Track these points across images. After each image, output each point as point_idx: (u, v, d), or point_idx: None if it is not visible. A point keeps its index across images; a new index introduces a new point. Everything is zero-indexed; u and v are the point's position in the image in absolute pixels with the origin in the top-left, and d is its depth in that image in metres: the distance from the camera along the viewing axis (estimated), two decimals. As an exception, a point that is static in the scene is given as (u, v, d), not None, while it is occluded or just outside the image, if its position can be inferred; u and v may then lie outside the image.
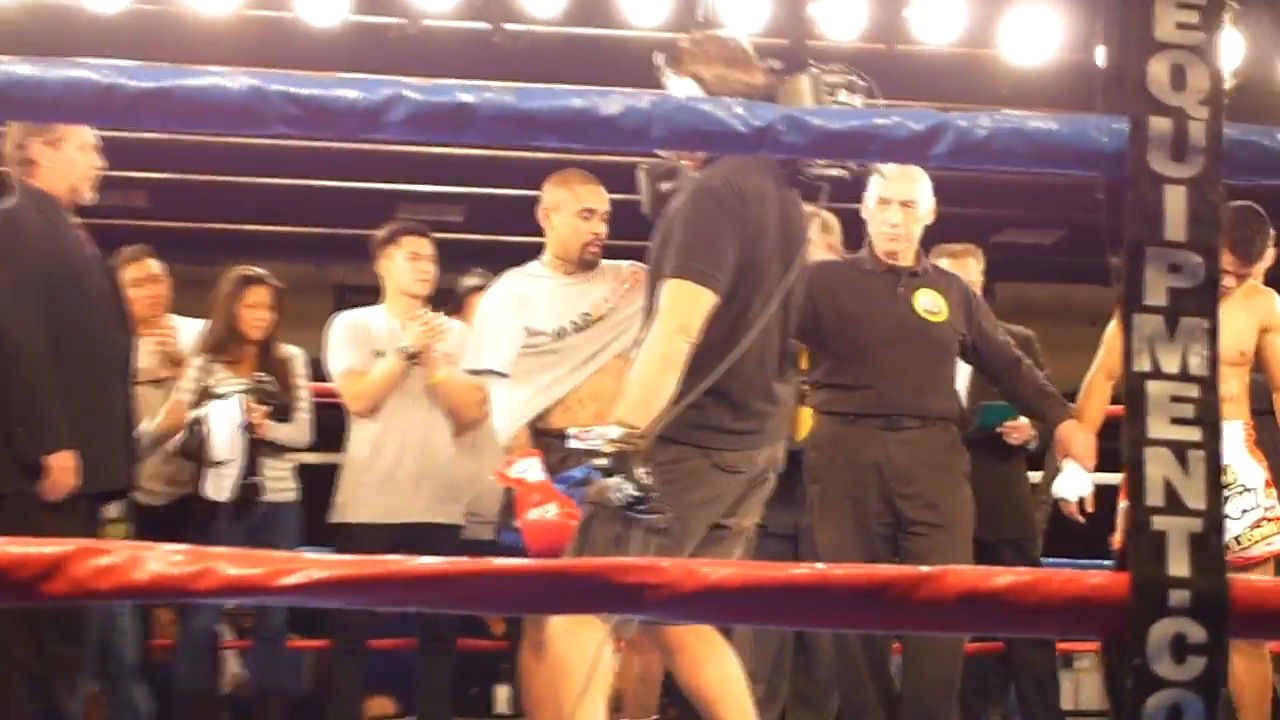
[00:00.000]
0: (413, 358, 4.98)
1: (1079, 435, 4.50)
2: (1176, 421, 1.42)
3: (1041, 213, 9.10)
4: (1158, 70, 1.42)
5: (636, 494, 3.16)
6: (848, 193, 4.30)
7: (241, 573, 1.42)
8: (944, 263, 5.41)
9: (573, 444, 4.14)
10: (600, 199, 4.57)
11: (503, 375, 4.51)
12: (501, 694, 8.65)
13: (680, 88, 3.32)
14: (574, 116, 1.50)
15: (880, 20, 7.46)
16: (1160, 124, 1.42)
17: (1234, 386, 4.64)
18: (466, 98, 1.48)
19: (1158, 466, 1.41)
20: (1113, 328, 4.72)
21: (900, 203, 4.55)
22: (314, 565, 1.40)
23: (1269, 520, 4.60)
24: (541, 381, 4.53)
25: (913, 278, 4.68)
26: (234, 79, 1.49)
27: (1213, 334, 1.42)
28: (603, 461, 3.21)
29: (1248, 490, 4.63)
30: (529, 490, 4.37)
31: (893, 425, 4.58)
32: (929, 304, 4.73)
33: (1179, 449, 1.42)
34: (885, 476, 4.49)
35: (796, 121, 1.46)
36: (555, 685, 3.31)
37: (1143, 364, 1.42)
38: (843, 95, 3.19)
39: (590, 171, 4.52)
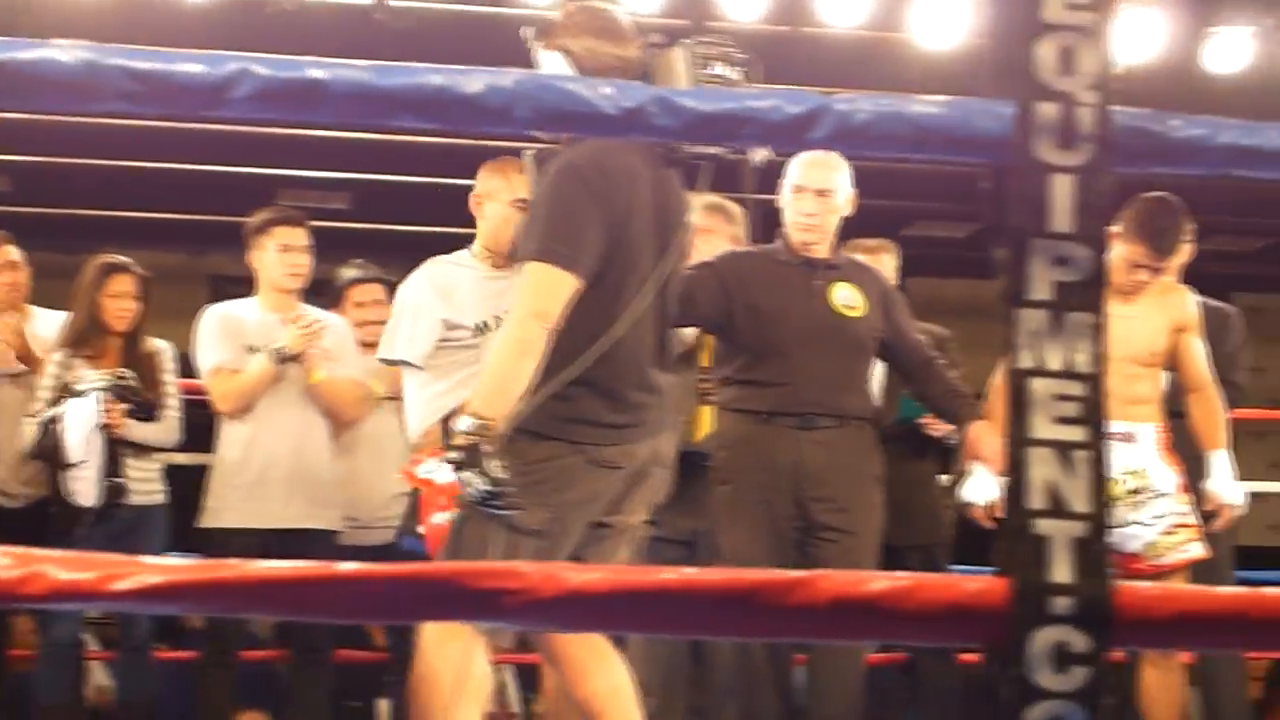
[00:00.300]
0: (286, 360, 4.93)
1: (988, 437, 4.52)
2: (1061, 421, 1.43)
3: (954, 205, 9.18)
4: (1045, 53, 1.42)
5: (489, 489, 3.13)
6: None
7: (72, 577, 1.40)
8: (859, 258, 5.43)
9: None
10: None
11: (416, 368, 4.43)
12: (384, 708, 8.59)
13: (549, 62, 3.32)
14: (433, 95, 1.48)
15: (784, 2, 7.51)
16: (1047, 109, 1.42)
17: (1147, 388, 4.70)
18: (317, 74, 1.46)
19: (1040, 467, 1.41)
20: None
21: (815, 191, 4.54)
22: (149, 570, 1.38)
23: (1183, 527, 4.64)
24: (457, 377, 4.40)
25: (829, 270, 4.69)
26: (68, 52, 1.46)
27: (1100, 330, 1.42)
28: (454, 455, 3.18)
29: (1161, 496, 4.67)
30: (436, 492, 4.28)
31: (808, 425, 4.58)
32: (846, 298, 4.74)
33: (1063, 449, 1.42)
34: (799, 478, 4.49)
35: (668, 103, 1.45)
36: (426, 697, 3.28)
37: (1026, 361, 1.42)
38: (718, 68, 3.20)
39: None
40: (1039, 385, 1.42)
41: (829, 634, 1.48)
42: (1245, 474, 10.27)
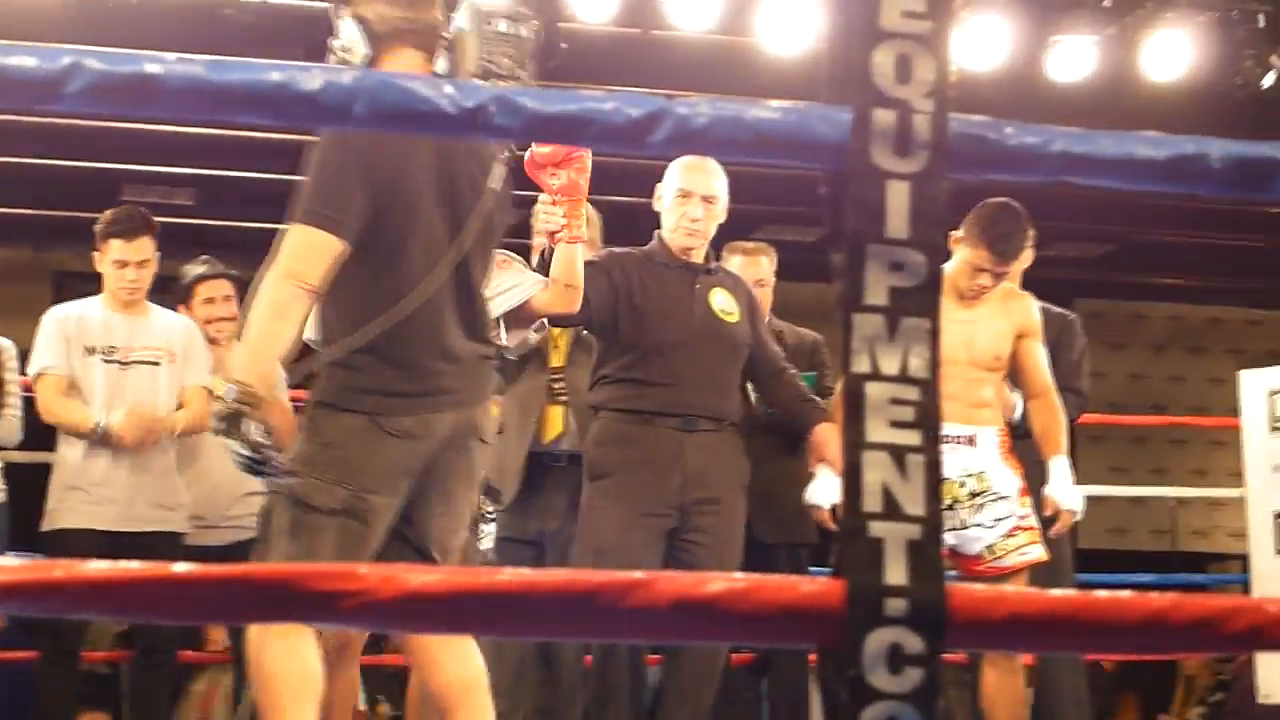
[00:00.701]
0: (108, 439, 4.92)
1: (832, 440, 4.57)
2: (896, 425, 1.44)
3: (803, 209, 9.24)
4: (882, 60, 1.43)
5: (250, 455, 3.10)
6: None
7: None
8: (737, 260, 5.49)
9: None
10: None
11: None
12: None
13: (346, 31, 3.35)
14: (271, 91, 1.47)
15: (635, 5, 7.52)
16: (884, 117, 1.43)
17: (989, 392, 4.76)
18: (153, 69, 1.44)
19: (875, 471, 1.42)
20: None
21: (702, 197, 4.60)
22: (-35, 570, 1.36)
23: (1023, 529, 4.71)
24: None
25: (707, 275, 4.73)
26: (-103, 43, 1.44)
27: (934, 335, 1.44)
28: (215, 423, 3.14)
29: (1002, 498, 4.74)
30: None
31: (689, 426, 4.62)
32: (724, 303, 4.78)
33: (898, 453, 1.43)
34: (680, 479, 4.52)
35: (509, 103, 1.44)
36: (260, 696, 3.24)
37: (861, 365, 1.43)
38: (503, 25, 3.23)
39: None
40: (874, 389, 1.43)
41: (668, 635, 1.48)
42: (1085, 478, 10.39)
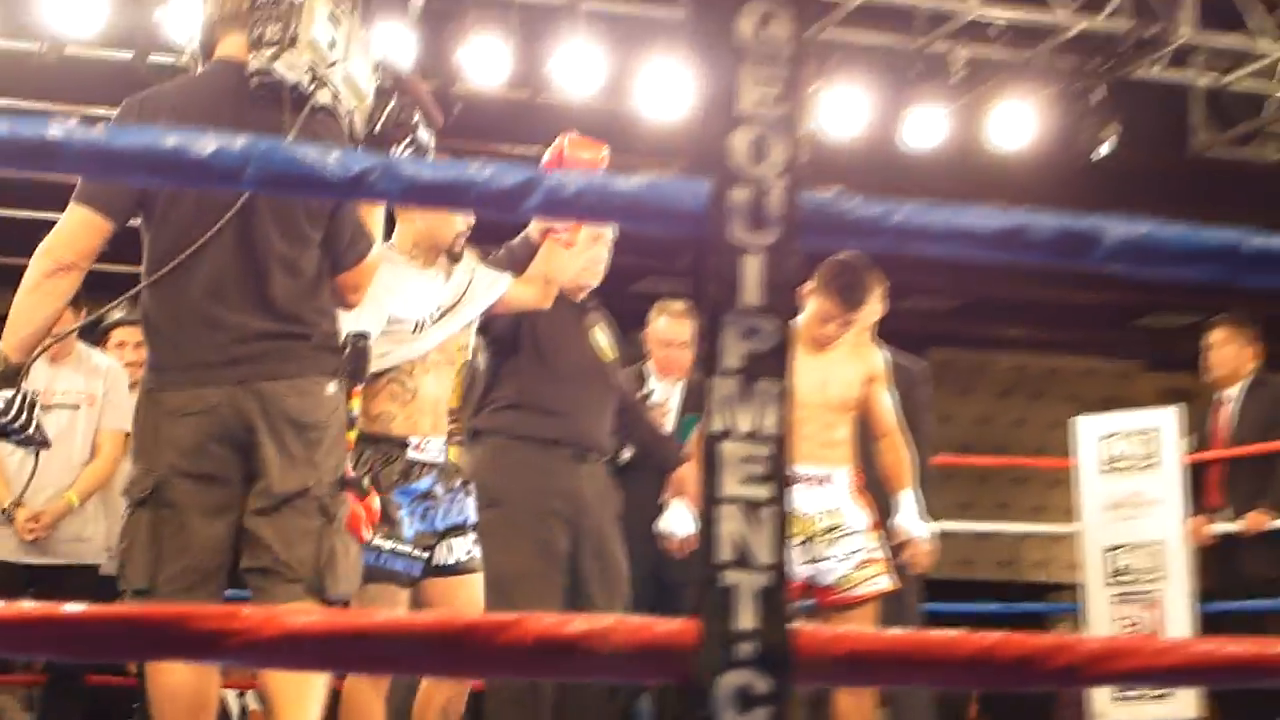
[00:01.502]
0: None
1: (691, 478, 4.60)
2: (748, 480, 1.44)
3: (684, 261, 9.27)
4: (739, 142, 1.44)
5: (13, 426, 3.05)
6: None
7: None
8: (663, 320, 5.58)
9: (413, 455, 4.02)
10: None
11: None
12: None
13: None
14: (167, 156, 1.45)
15: (524, 71, 7.54)
16: (740, 194, 1.43)
17: (843, 433, 4.83)
18: (55, 133, 1.43)
19: (729, 523, 1.42)
20: None
21: (608, 241, 4.64)
22: None
23: (873, 561, 4.77)
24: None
25: (592, 312, 4.74)
26: None
27: (785, 396, 1.44)
28: None
29: (854, 533, 4.80)
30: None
31: (581, 457, 4.62)
32: (604, 341, 4.80)
33: (750, 506, 1.43)
34: (572, 508, 4.50)
35: (392, 170, 1.44)
36: (155, 715, 3.13)
37: (718, 425, 1.44)
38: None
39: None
40: (729, 448, 1.44)
41: (534, 673, 1.48)
42: (936, 513, 10.45)
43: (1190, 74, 9.22)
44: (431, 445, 4.08)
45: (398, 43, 7.02)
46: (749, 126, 1.44)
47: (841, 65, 8.51)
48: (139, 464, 3.20)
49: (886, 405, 5.02)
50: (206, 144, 1.44)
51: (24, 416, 3.11)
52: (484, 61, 7.41)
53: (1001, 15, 8.35)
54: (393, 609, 4.00)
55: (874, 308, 5.74)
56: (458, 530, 4.09)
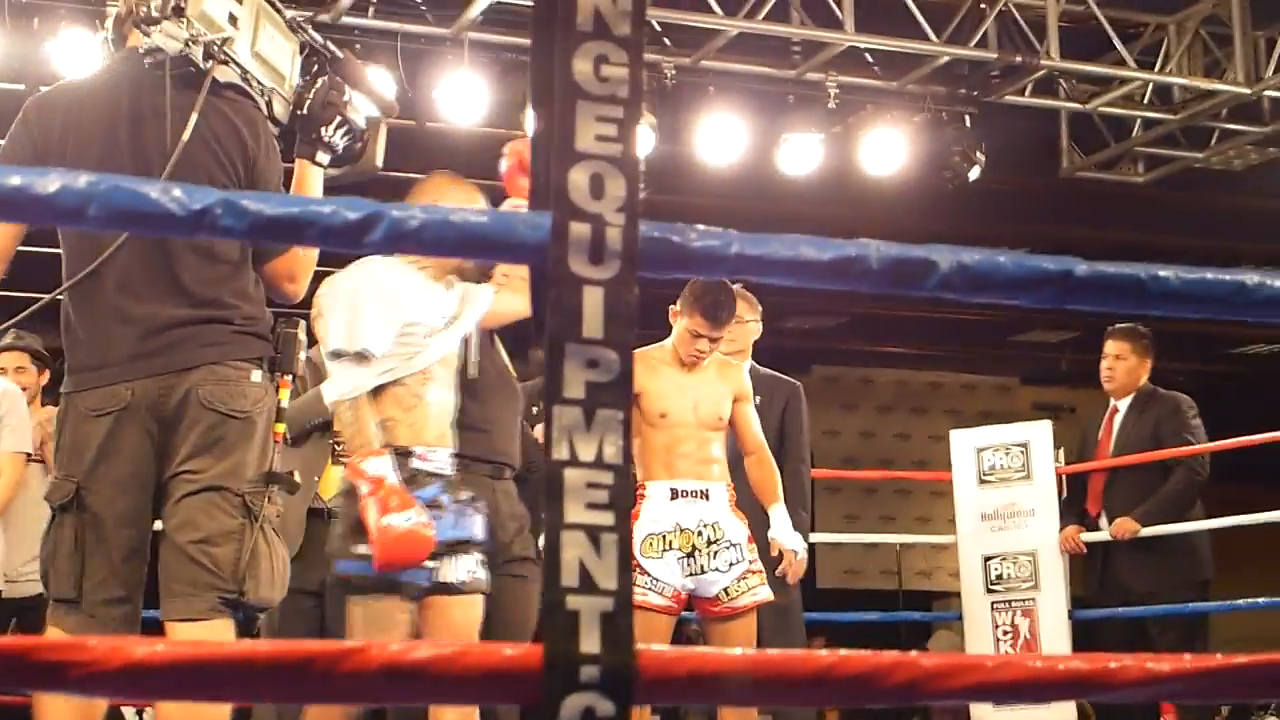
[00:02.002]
0: None
1: None
2: (591, 506, 1.44)
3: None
4: (577, 179, 1.45)
5: None
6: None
7: None
8: None
9: (417, 464, 3.84)
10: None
11: (368, 359, 3.95)
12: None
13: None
14: (10, 194, 1.43)
15: (408, 99, 7.50)
16: (579, 229, 1.44)
17: (717, 450, 4.88)
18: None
19: (572, 549, 1.43)
20: None
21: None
22: None
23: (753, 572, 4.82)
24: (387, 366, 3.98)
25: (494, 330, 4.74)
26: None
27: (626, 425, 1.44)
28: None
29: (734, 545, 4.83)
30: (390, 493, 3.82)
31: (498, 474, 4.61)
32: (507, 359, 4.80)
33: (593, 532, 1.44)
34: (492, 525, 4.47)
35: (234, 205, 1.43)
36: None
37: (561, 453, 1.44)
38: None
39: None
40: (572, 475, 1.44)
41: (382, 699, 1.47)
42: (823, 525, 10.49)
43: (1057, 99, 9.35)
44: (437, 455, 3.95)
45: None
46: (587, 163, 1.44)
47: (719, 93, 8.56)
48: (59, 469, 3.07)
49: (754, 423, 5.08)
50: (50, 183, 1.42)
51: None
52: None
53: (873, 44, 8.42)
54: (395, 627, 3.86)
55: (752, 327, 5.79)
56: (462, 545, 3.98)
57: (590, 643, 1.39)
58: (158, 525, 3.12)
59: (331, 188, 3.30)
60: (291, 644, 1.37)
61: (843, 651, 1.49)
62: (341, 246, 1.44)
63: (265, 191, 3.07)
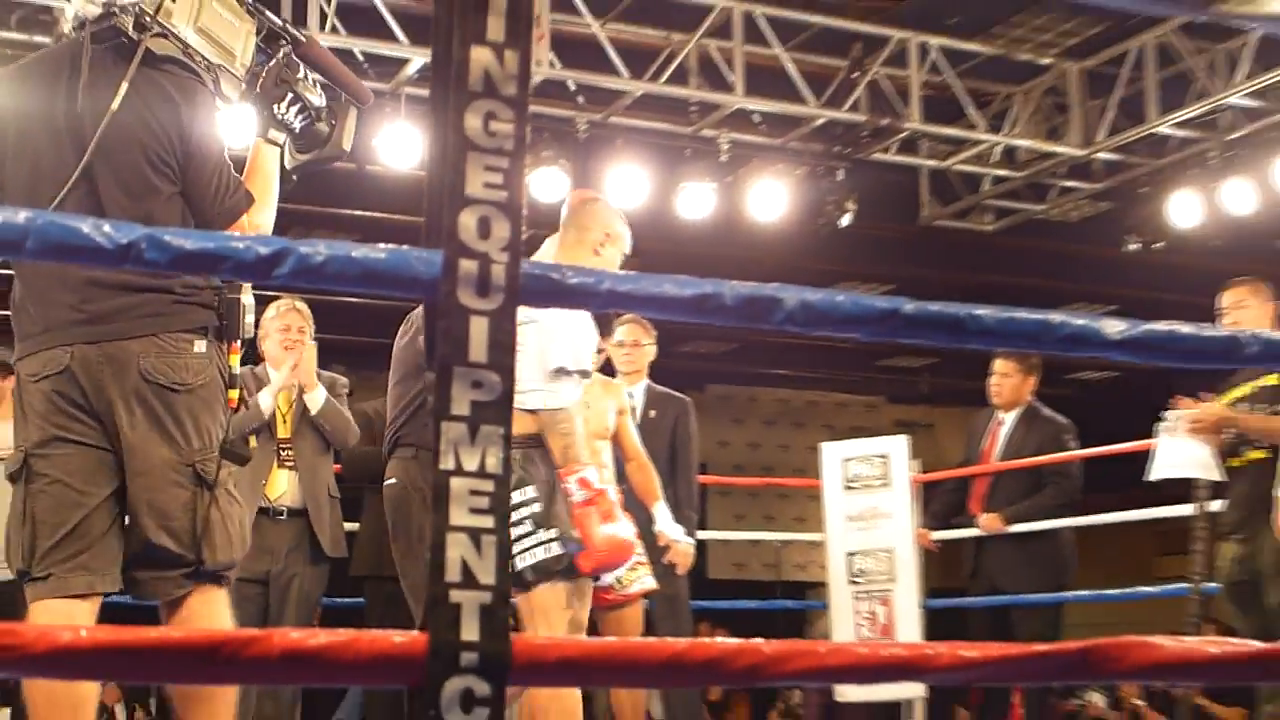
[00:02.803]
0: None
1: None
2: (474, 511, 1.43)
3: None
4: (467, 220, 1.44)
5: None
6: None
7: None
8: (622, 330, 5.72)
9: None
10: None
11: (579, 378, 3.97)
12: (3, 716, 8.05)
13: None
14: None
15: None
16: (468, 265, 1.43)
17: (606, 456, 4.87)
18: None
19: (456, 549, 1.41)
20: None
21: None
22: None
23: (642, 564, 4.82)
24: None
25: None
26: None
27: (506, 439, 1.43)
28: None
29: None
30: (610, 505, 3.89)
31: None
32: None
33: (474, 534, 1.42)
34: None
35: (157, 240, 1.40)
36: None
37: (448, 463, 1.42)
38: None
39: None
40: (457, 483, 1.43)
41: (284, 680, 1.44)
42: (715, 524, 10.45)
43: (918, 157, 9.44)
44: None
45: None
46: (475, 207, 1.43)
47: (625, 146, 8.56)
48: (15, 441, 2.82)
49: (634, 434, 5.10)
50: (-10, 216, 1.39)
51: None
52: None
53: (760, 106, 8.46)
54: (569, 612, 3.80)
55: (649, 350, 5.80)
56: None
57: (470, 631, 1.38)
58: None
59: (307, 172, 3.08)
60: (203, 631, 1.34)
61: (692, 640, 1.48)
62: (253, 279, 1.42)
63: (202, 163, 2.86)
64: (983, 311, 1.56)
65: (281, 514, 5.36)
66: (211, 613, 2.73)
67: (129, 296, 2.78)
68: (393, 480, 4.53)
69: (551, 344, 3.89)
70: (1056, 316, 1.58)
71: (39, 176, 2.81)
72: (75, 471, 2.76)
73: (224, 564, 2.86)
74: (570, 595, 3.86)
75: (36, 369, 2.77)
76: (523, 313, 3.86)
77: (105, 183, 2.80)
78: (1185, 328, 1.61)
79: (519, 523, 4.05)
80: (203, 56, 2.90)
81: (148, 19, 2.81)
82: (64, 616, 2.67)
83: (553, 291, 1.50)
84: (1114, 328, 1.58)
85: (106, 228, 1.37)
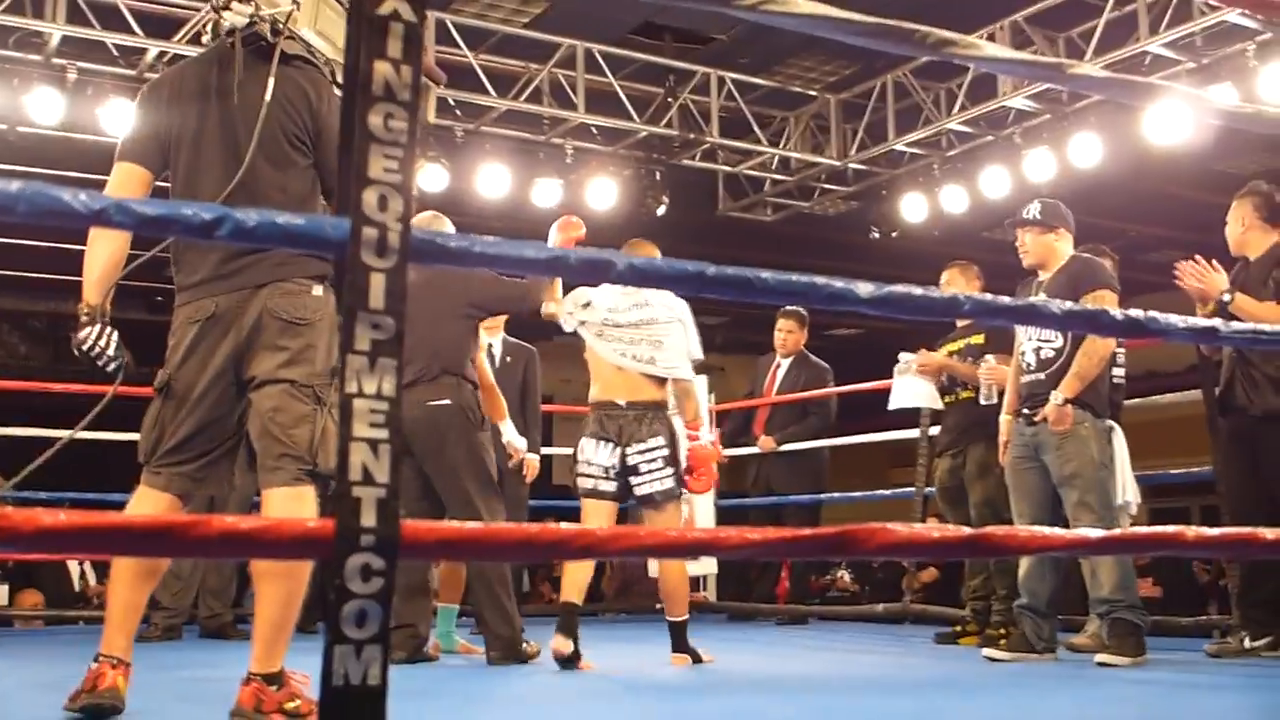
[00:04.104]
0: None
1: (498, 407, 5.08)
2: (373, 425, 1.40)
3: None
4: (369, 197, 1.40)
5: (95, 353, 2.72)
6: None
7: None
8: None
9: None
10: None
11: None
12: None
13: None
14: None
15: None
16: (370, 232, 1.39)
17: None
18: None
19: (358, 455, 1.39)
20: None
21: None
22: None
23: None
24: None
25: None
26: None
27: (398, 370, 1.41)
28: (82, 334, 2.72)
29: None
30: (719, 451, 4.65)
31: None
32: None
33: (373, 444, 1.40)
34: None
35: (124, 207, 1.35)
36: None
37: (352, 388, 1.39)
38: None
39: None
40: (360, 404, 1.40)
41: (220, 555, 1.41)
42: (559, 443, 10.34)
43: (716, 163, 9.50)
44: None
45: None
46: (376, 187, 1.40)
47: (491, 150, 8.48)
48: (167, 366, 2.74)
49: (488, 370, 5.08)
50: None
51: (108, 346, 2.70)
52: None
53: (597, 121, 8.43)
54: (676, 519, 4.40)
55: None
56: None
57: (369, 518, 1.36)
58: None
59: None
60: (156, 516, 1.30)
61: (541, 525, 1.47)
62: (199, 238, 1.37)
63: (329, 139, 2.78)
64: (766, 274, 1.58)
65: None
66: (299, 509, 2.66)
67: (263, 254, 2.71)
68: (446, 400, 4.42)
69: (693, 339, 4.47)
70: (821, 279, 1.60)
71: (197, 166, 2.75)
72: (204, 393, 2.71)
73: (331, 470, 2.82)
74: (677, 510, 4.40)
75: (190, 314, 2.73)
76: (673, 312, 4.18)
77: (257, 157, 2.72)
78: (918, 290, 1.64)
79: (653, 460, 4.35)
80: (322, 53, 2.88)
81: (280, 25, 2.77)
82: (151, 506, 2.65)
83: (436, 253, 1.47)
84: (865, 289, 1.60)
85: (83, 197, 1.31)
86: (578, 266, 1.52)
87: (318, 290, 2.76)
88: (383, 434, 1.38)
